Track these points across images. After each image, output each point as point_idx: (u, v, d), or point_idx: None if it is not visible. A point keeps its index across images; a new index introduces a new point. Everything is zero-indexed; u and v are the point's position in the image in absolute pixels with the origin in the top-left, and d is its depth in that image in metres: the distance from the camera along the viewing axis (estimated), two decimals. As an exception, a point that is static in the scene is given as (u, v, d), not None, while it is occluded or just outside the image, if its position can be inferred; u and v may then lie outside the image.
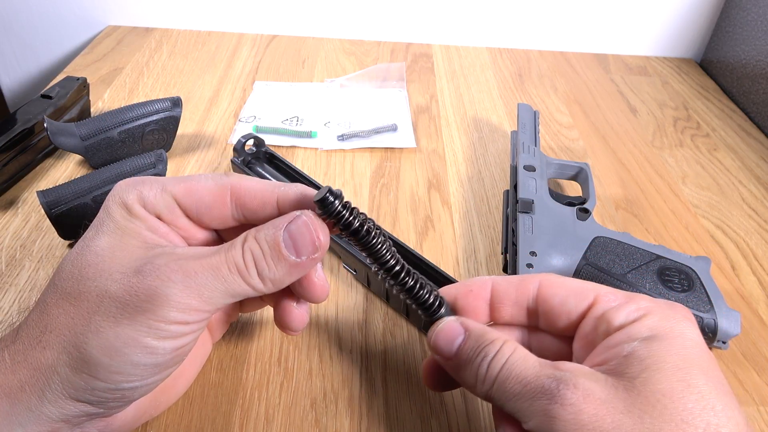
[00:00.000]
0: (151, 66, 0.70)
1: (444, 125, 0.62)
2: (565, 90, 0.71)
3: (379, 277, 0.30)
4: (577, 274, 0.40)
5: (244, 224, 0.30)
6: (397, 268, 0.29)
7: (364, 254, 0.29)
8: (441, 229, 0.48)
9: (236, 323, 0.38)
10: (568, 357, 0.28)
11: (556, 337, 0.29)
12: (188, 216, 0.29)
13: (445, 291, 0.30)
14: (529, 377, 0.24)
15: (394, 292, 0.30)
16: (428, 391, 0.35)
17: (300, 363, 0.36)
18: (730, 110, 0.69)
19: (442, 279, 0.39)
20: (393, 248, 0.29)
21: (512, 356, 0.25)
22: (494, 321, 0.30)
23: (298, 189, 0.30)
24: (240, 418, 0.33)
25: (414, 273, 0.30)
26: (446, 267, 0.44)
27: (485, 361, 0.25)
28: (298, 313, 0.32)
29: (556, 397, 0.23)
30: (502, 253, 0.45)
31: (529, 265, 0.39)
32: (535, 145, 0.50)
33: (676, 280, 0.39)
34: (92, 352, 0.24)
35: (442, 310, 0.29)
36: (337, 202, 0.28)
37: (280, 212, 0.29)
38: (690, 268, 0.40)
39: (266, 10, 0.78)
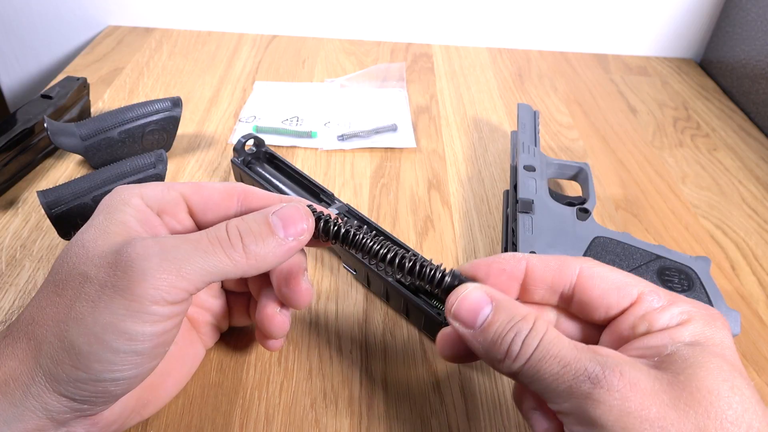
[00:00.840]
0: (151, 66, 0.70)
1: (444, 125, 0.62)
2: (565, 90, 0.71)
3: (380, 269, 0.29)
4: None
5: None
6: (390, 254, 0.29)
7: (359, 255, 0.29)
8: (441, 229, 0.48)
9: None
10: (593, 343, 0.27)
11: (582, 322, 0.28)
12: (193, 214, 0.30)
13: (475, 267, 0.29)
14: (568, 358, 0.23)
15: (399, 278, 0.29)
16: (428, 391, 0.35)
17: (300, 363, 0.36)
18: (730, 110, 0.69)
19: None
20: (382, 240, 0.29)
21: (547, 335, 0.24)
22: (521, 300, 0.29)
23: (301, 201, 0.30)
24: (240, 418, 0.33)
25: (413, 256, 0.29)
26: (446, 267, 0.44)
27: (518, 337, 0.24)
28: (281, 319, 0.32)
29: (601, 381, 0.22)
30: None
31: (529, 265, 0.39)
32: (535, 145, 0.50)
33: (676, 280, 0.39)
34: (73, 339, 0.24)
35: (454, 280, 0.28)
36: (321, 218, 0.30)
37: None
38: (690, 268, 0.40)
39: (266, 10, 0.78)
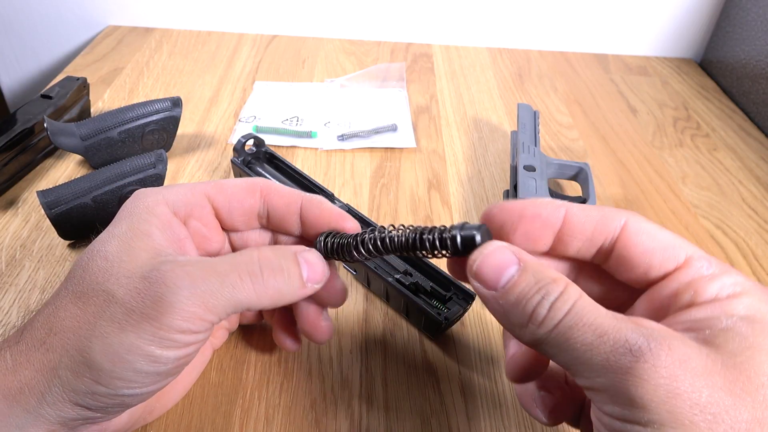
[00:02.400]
0: (151, 66, 0.70)
1: (444, 125, 0.62)
2: (565, 90, 0.71)
3: (397, 253, 0.27)
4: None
5: (264, 230, 0.32)
6: (403, 240, 0.26)
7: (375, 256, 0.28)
8: (441, 229, 0.48)
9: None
10: (622, 310, 0.24)
11: (614, 280, 0.25)
12: (218, 214, 0.30)
13: (506, 210, 0.25)
14: (605, 327, 0.20)
15: (411, 252, 0.26)
16: (428, 391, 0.35)
17: (300, 363, 0.36)
18: (730, 110, 0.69)
19: (441, 279, 0.39)
20: (386, 232, 0.27)
21: (580, 301, 0.21)
22: (553, 254, 0.26)
23: (322, 202, 0.30)
24: (240, 418, 0.33)
25: (422, 230, 0.26)
26: (446, 267, 0.44)
27: (546, 300, 0.21)
28: (325, 324, 0.32)
29: (646, 355, 0.19)
30: (502, 253, 0.45)
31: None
32: (535, 145, 0.50)
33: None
34: (95, 357, 0.24)
35: (479, 237, 0.24)
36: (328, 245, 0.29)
37: (303, 217, 0.30)
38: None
39: (266, 10, 0.78)
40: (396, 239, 0.26)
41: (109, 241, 0.27)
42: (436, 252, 0.25)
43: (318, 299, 0.31)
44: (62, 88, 0.54)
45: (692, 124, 0.66)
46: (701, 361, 0.19)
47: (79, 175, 0.45)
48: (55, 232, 0.42)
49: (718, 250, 0.48)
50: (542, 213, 0.25)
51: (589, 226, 0.25)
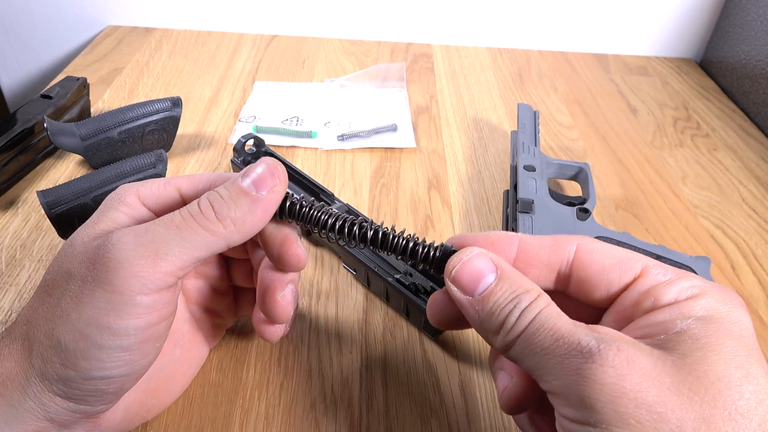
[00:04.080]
0: (151, 66, 0.70)
1: (444, 125, 0.62)
2: (565, 90, 0.71)
3: (360, 248, 0.28)
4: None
5: None
6: (373, 234, 0.27)
7: (334, 238, 0.29)
8: (441, 229, 0.48)
9: (236, 324, 0.38)
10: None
11: (582, 304, 0.26)
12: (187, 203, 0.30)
13: (464, 240, 0.27)
14: (562, 331, 0.21)
15: (387, 254, 0.28)
16: (428, 391, 0.35)
17: (300, 363, 0.36)
18: (730, 110, 0.69)
19: (442, 279, 0.39)
20: (359, 220, 0.28)
21: (546, 309, 0.22)
22: None
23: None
24: (240, 418, 0.33)
25: (399, 234, 0.28)
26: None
27: (517, 309, 0.22)
28: (283, 303, 0.31)
29: (594, 356, 0.20)
30: (502, 253, 0.45)
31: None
32: (535, 145, 0.50)
33: (676, 280, 0.39)
34: (59, 337, 0.24)
35: (446, 252, 0.26)
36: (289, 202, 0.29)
37: None
38: (690, 268, 0.40)
39: (266, 10, 0.78)
40: (392, 239, 0.27)
41: (79, 230, 0.27)
42: (418, 261, 0.27)
43: (277, 266, 0.30)
44: (62, 88, 0.54)
45: (692, 124, 0.66)
46: (650, 361, 0.20)
47: (79, 175, 0.45)
48: (55, 232, 0.42)
49: (718, 250, 0.48)
50: (496, 243, 0.26)
51: (543, 253, 0.26)
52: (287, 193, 0.29)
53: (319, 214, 0.28)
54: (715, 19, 0.78)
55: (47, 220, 0.45)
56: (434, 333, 0.38)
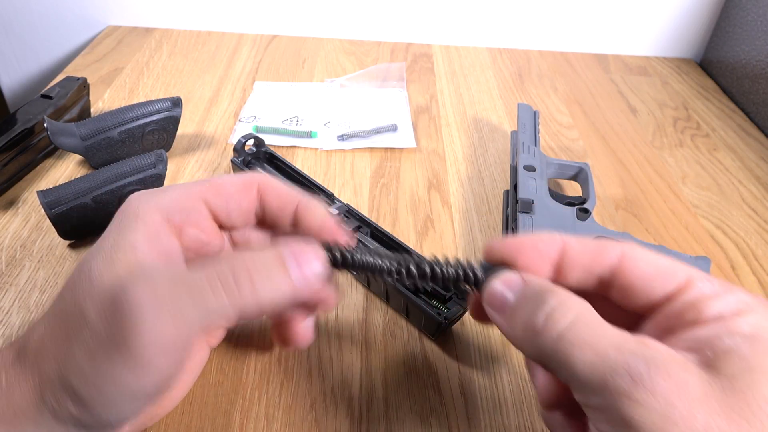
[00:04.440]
0: (151, 66, 0.70)
1: (444, 125, 0.62)
2: (565, 90, 0.71)
3: (400, 282, 0.28)
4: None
5: (261, 226, 0.31)
6: (410, 268, 0.27)
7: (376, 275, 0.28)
8: (441, 229, 0.48)
9: (236, 324, 0.38)
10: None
11: (622, 309, 0.25)
12: (216, 217, 0.29)
13: (506, 246, 0.26)
14: (608, 347, 0.20)
15: (422, 285, 0.28)
16: (428, 391, 0.35)
17: (300, 363, 0.36)
18: (730, 110, 0.69)
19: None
20: (392, 256, 0.28)
21: (582, 316, 0.22)
22: (556, 283, 0.26)
23: (316, 210, 0.29)
24: (240, 418, 0.33)
25: (432, 262, 0.28)
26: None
27: (542, 309, 0.22)
28: (304, 332, 0.31)
29: (645, 381, 0.19)
30: (502, 253, 0.45)
31: (529, 265, 0.39)
32: (535, 145, 0.50)
33: (676, 280, 0.39)
34: (74, 386, 0.23)
35: (484, 274, 0.26)
36: (338, 255, 0.27)
37: (297, 220, 0.29)
38: (690, 268, 0.40)
39: (266, 10, 0.78)
40: (440, 272, 0.27)
41: (96, 254, 0.25)
42: (461, 284, 0.27)
43: (306, 303, 0.30)
44: (62, 88, 0.54)
45: (692, 124, 0.66)
46: (699, 386, 0.20)
47: (79, 175, 0.45)
48: (55, 232, 0.42)
49: (718, 250, 0.48)
50: (539, 246, 0.26)
51: (586, 257, 0.25)
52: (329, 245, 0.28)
53: (364, 262, 0.28)
54: (715, 19, 0.78)
55: (47, 220, 0.45)
56: (434, 333, 0.38)
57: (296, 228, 0.29)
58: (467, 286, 0.27)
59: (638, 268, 0.24)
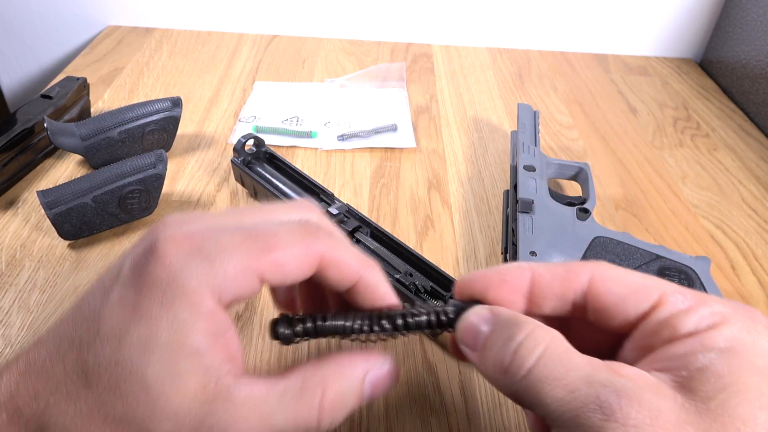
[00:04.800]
0: (151, 66, 0.70)
1: (444, 125, 0.62)
2: (565, 90, 0.71)
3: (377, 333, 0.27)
4: (577, 274, 0.40)
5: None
6: (381, 323, 0.26)
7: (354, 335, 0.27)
8: (441, 229, 0.48)
9: (236, 323, 0.38)
10: (614, 353, 0.24)
11: (602, 330, 0.25)
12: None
13: (473, 280, 0.26)
14: (577, 381, 0.20)
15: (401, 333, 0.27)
16: (428, 391, 0.35)
17: (300, 363, 0.36)
18: (730, 110, 0.69)
19: (442, 279, 0.39)
20: (361, 314, 0.26)
21: (551, 346, 0.21)
22: (531, 314, 0.25)
23: (380, 291, 0.26)
24: (240, 418, 0.33)
25: (398, 313, 0.26)
26: (446, 267, 0.44)
27: (509, 346, 0.21)
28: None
29: (616, 414, 0.19)
30: (502, 253, 0.45)
31: (529, 265, 0.39)
32: (535, 145, 0.50)
33: (676, 280, 0.39)
34: None
35: (451, 315, 0.25)
36: (309, 326, 0.26)
37: (352, 293, 0.26)
38: (690, 268, 0.40)
39: (266, 10, 0.78)
40: (413, 322, 0.26)
41: (146, 355, 0.20)
42: (424, 328, 0.26)
43: None
44: (62, 88, 0.54)
45: (692, 124, 0.66)
46: (674, 412, 0.19)
47: (79, 175, 0.45)
48: (55, 232, 0.42)
49: (718, 250, 0.48)
50: (507, 278, 0.25)
51: (557, 284, 0.24)
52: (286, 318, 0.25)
53: (336, 326, 0.26)
54: (715, 19, 0.78)
55: (47, 220, 0.45)
56: (434, 333, 0.38)
57: (347, 294, 0.26)
58: (442, 329, 0.26)
59: (608, 289, 0.24)
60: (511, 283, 0.25)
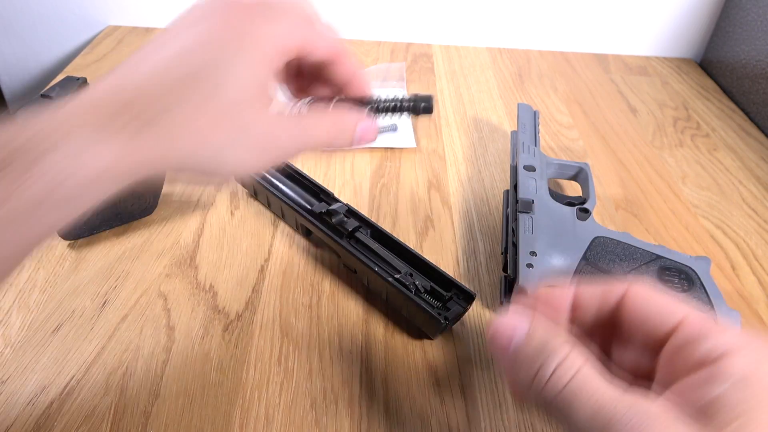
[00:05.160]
0: (151, 66, 0.70)
1: (444, 125, 0.62)
2: (565, 90, 0.71)
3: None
4: (577, 274, 0.40)
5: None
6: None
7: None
8: (441, 229, 0.48)
9: (236, 323, 0.38)
10: (650, 373, 0.26)
11: (639, 349, 0.27)
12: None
13: (521, 307, 0.28)
14: (605, 403, 0.21)
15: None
16: (428, 391, 0.35)
17: (300, 363, 0.36)
18: (730, 110, 0.69)
19: (442, 279, 0.39)
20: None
21: (584, 369, 0.23)
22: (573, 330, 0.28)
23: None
24: (240, 418, 0.33)
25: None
26: (446, 267, 0.44)
27: (549, 363, 0.23)
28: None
29: None
30: (502, 253, 0.45)
31: (529, 265, 0.39)
32: (535, 145, 0.50)
33: (676, 280, 0.39)
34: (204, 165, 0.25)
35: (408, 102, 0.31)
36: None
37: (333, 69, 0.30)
38: (690, 268, 0.40)
39: (266, 10, 0.78)
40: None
41: (188, 91, 0.24)
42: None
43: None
44: (62, 88, 0.54)
45: (692, 124, 0.66)
46: None
47: (79, 175, 0.45)
48: (55, 232, 0.42)
49: (718, 250, 0.48)
50: (552, 303, 0.27)
51: (595, 302, 0.27)
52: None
53: None
54: (715, 19, 0.78)
55: (47, 220, 0.45)
56: (434, 333, 0.38)
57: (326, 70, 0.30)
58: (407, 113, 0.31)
59: (638, 308, 0.25)
60: (556, 306, 0.27)
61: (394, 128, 0.60)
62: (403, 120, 0.61)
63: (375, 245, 0.41)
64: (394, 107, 0.32)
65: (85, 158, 0.21)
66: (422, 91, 0.68)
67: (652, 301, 0.25)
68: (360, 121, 0.30)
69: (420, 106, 0.31)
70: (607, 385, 0.22)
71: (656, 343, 0.25)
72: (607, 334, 0.28)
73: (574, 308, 0.27)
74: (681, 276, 0.39)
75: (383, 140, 0.58)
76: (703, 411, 0.21)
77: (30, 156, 0.20)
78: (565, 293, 0.27)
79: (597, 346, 0.28)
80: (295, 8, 0.28)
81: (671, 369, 0.24)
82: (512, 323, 0.25)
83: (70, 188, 0.21)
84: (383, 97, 0.32)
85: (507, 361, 0.25)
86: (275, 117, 0.27)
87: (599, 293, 0.27)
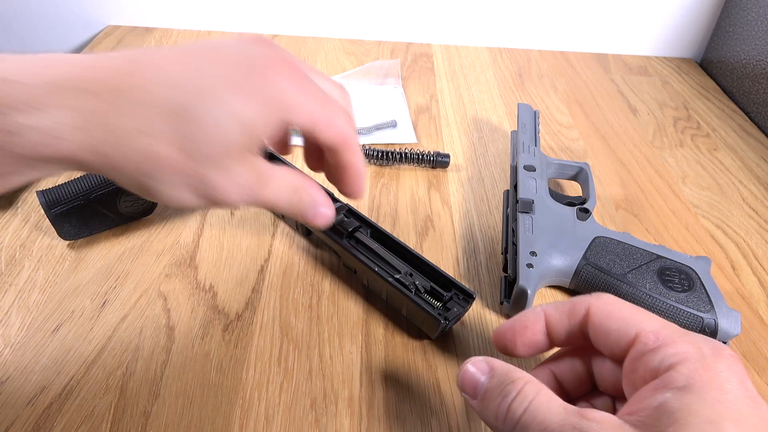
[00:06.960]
0: (151, 66, 0.70)
1: (444, 125, 0.62)
2: (565, 90, 0.71)
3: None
4: (577, 274, 0.40)
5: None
6: None
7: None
8: (441, 229, 0.48)
9: (236, 323, 0.38)
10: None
11: (611, 363, 0.28)
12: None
13: (503, 332, 0.30)
14: (552, 425, 0.23)
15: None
16: (428, 391, 0.35)
17: (300, 363, 0.36)
18: (730, 110, 0.69)
19: (442, 279, 0.39)
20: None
21: (536, 399, 0.24)
22: (555, 346, 0.30)
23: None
24: (240, 418, 0.33)
25: None
26: (446, 267, 0.44)
27: (505, 401, 0.25)
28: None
29: None
30: (502, 253, 0.45)
31: (529, 265, 0.39)
32: (535, 145, 0.50)
33: (676, 280, 0.39)
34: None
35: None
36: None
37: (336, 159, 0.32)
38: (690, 268, 0.40)
39: (266, 10, 0.78)
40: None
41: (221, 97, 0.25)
42: None
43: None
44: (62, 88, 0.54)
45: (692, 124, 0.66)
46: None
47: (79, 175, 0.45)
48: (55, 232, 0.42)
49: (718, 250, 0.48)
50: (528, 325, 0.29)
51: (565, 319, 0.28)
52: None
53: None
54: (715, 19, 0.78)
55: (47, 220, 0.45)
56: (434, 333, 0.38)
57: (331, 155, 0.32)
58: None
59: (601, 322, 0.27)
60: (532, 327, 0.29)
61: (393, 124, 0.60)
62: (403, 115, 0.61)
63: (375, 245, 0.41)
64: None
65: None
66: (422, 91, 0.68)
67: (612, 314, 0.27)
68: (321, 205, 0.31)
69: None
70: (557, 410, 0.24)
71: (621, 356, 0.26)
72: (588, 352, 0.30)
73: (548, 328, 0.29)
74: (681, 276, 0.39)
75: (383, 136, 0.58)
76: (647, 420, 0.22)
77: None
78: (537, 314, 0.29)
79: (583, 365, 0.30)
80: (326, 88, 0.31)
81: (631, 380, 0.25)
82: (475, 369, 0.27)
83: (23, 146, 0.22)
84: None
85: (477, 404, 0.27)
86: (242, 167, 0.26)
87: (566, 311, 0.28)
